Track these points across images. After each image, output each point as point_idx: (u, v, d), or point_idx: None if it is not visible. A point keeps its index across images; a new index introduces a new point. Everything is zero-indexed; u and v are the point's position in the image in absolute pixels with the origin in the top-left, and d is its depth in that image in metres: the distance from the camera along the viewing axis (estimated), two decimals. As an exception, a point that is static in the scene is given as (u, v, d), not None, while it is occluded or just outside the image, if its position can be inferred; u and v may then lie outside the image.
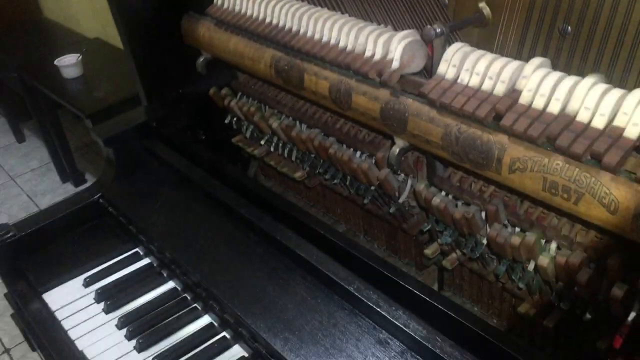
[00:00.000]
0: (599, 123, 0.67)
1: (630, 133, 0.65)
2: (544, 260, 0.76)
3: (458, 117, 0.79)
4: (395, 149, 0.90)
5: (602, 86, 0.68)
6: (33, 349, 1.24)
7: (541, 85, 0.72)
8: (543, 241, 0.79)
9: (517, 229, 0.82)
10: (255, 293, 1.00)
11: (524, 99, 0.74)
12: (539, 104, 0.72)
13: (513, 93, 0.75)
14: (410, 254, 1.08)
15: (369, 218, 1.12)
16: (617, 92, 0.66)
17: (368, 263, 0.92)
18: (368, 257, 0.93)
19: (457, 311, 0.82)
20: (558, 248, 0.78)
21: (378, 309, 0.87)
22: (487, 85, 0.77)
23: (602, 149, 0.65)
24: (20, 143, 3.72)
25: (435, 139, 0.82)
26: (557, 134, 0.69)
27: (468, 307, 1.02)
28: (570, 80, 0.70)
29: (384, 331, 0.88)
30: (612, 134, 0.66)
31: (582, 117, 0.69)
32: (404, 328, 0.83)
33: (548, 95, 0.72)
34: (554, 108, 0.71)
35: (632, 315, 0.73)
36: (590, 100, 0.68)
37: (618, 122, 0.66)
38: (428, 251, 0.97)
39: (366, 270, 0.92)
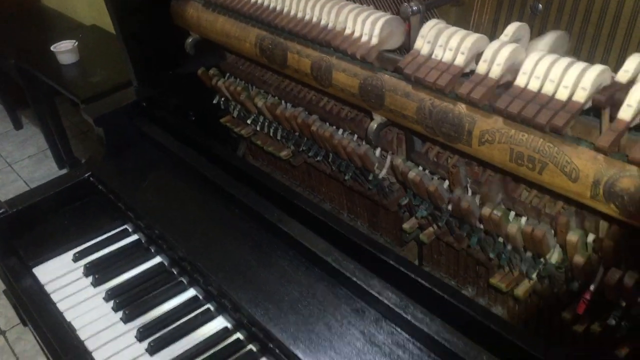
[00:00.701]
0: (562, 95, 0.70)
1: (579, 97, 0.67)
2: (512, 229, 0.79)
3: (432, 92, 0.82)
4: (374, 125, 0.92)
5: (566, 60, 0.70)
6: (25, 324, 1.26)
7: (537, 68, 0.74)
8: (513, 213, 0.82)
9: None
10: (239, 266, 1.03)
11: (493, 73, 0.76)
12: (507, 77, 0.75)
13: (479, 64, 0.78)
14: (391, 231, 1.11)
15: (352, 196, 1.15)
16: (579, 65, 0.69)
17: (346, 236, 0.95)
18: (347, 230, 0.96)
19: (428, 278, 0.85)
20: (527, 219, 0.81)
21: (354, 279, 0.90)
22: (459, 60, 0.80)
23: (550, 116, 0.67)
24: (18, 130, 3.74)
25: (410, 114, 0.85)
26: (523, 107, 0.71)
27: (445, 281, 1.04)
28: (536, 55, 0.73)
29: (360, 301, 0.91)
30: (571, 106, 0.68)
31: (547, 89, 0.71)
32: (377, 296, 0.86)
33: (527, 74, 0.74)
34: (521, 82, 0.73)
35: (595, 283, 0.75)
36: (554, 73, 0.70)
37: (577, 97, 0.68)
38: (406, 226, 1.00)
39: (345, 243, 0.95)
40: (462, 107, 0.79)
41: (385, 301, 0.85)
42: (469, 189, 0.87)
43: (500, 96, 0.73)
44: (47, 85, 2.70)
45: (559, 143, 0.69)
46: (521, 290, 0.86)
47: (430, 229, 0.98)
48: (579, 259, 0.73)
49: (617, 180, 0.65)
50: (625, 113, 0.65)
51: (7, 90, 3.59)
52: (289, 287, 0.97)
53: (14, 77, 3.04)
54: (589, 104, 0.68)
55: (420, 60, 0.83)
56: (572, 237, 0.74)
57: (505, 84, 0.75)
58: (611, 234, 0.72)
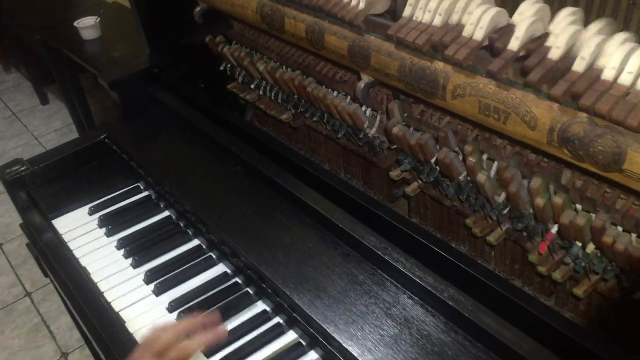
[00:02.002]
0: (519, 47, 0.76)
1: (548, 54, 0.73)
2: (481, 177, 0.86)
3: (412, 51, 0.88)
4: (361, 84, 0.99)
5: (531, 19, 0.77)
6: (45, 275, 1.36)
7: (481, 19, 0.81)
8: (485, 161, 0.88)
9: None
10: (238, 218, 1.11)
11: (466, 32, 0.82)
12: (478, 36, 0.81)
13: (457, 26, 0.84)
14: (382, 188, 1.18)
15: (347, 156, 1.22)
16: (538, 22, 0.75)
17: (335, 187, 1.03)
18: (334, 181, 1.03)
19: (409, 225, 0.92)
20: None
21: (340, 225, 0.97)
22: (437, 21, 0.86)
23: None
24: (44, 105, 3.87)
25: (393, 72, 0.91)
26: (489, 62, 0.78)
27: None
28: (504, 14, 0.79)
29: (345, 245, 0.98)
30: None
31: (513, 45, 0.77)
32: (360, 240, 0.93)
33: (485, 27, 0.80)
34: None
35: (556, 226, 0.82)
36: (519, 31, 0.77)
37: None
38: (393, 173, 1.06)
39: (334, 194, 1.02)
40: (438, 64, 0.85)
41: (366, 244, 0.92)
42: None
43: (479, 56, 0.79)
44: (71, 61, 2.80)
45: (520, 94, 0.76)
46: (494, 237, 0.93)
47: (415, 183, 1.05)
48: (539, 201, 0.80)
49: (569, 127, 0.71)
50: (578, 65, 0.71)
51: (34, 67, 3.72)
52: (282, 235, 1.05)
53: (40, 53, 3.16)
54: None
55: (402, 22, 0.89)
56: (535, 183, 0.81)
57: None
58: (566, 178, 0.78)
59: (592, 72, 0.70)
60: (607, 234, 0.74)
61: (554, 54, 0.74)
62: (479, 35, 0.81)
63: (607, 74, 0.69)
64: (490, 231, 0.93)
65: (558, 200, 0.78)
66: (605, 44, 0.70)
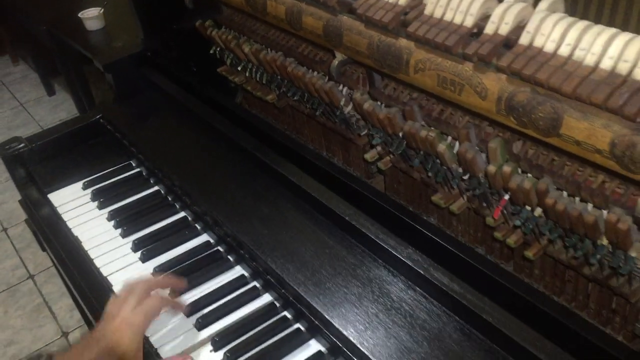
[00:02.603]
0: (490, 29, 0.81)
1: (498, 30, 0.79)
2: (441, 147, 0.92)
3: (379, 29, 0.94)
4: (335, 61, 1.05)
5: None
6: (43, 249, 1.43)
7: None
8: (445, 135, 0.94)
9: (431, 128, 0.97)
10: (222, 192, 1.18)
11: (427, 10, 0.88)
12: (438, 13, 0.87)
13: (420, 5, 0.90)
14: (360, 165, 1.24)
15: (327, 134, 1.28)
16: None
17: (313, 162, 1.09)
18: (312, 156, 1.10)
19: (378, 195, 0.98)
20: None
21: (316, 196, 1.03)
22: (402, 1, 0.92)
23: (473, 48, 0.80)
24: (51, 96, 3.96)
25: (363, 49, 0.97)
26: (446, 38, 0.83)
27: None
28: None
29: (320, 215, 1.04)
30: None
31: (467, 22, 0.83)
32: (334, 210, 0.99)
33: (444, 6, 0.86)
34: (448, 17, 0.85)
35: (508, 194, 0.88)
36: (473, 8, 0.82)
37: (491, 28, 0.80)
38: (367, 155, 1.12)
39: (313, 169, 1.09)
40: (402, 41, 0.91)
41: (337, 211, 0.98)
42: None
43: (438, 32, 0.85)
44: (76, 53, 2.88)
45: (473, 67, 0.81)
46: (456, 206, 0.98)
47: (387, 157, 1.10)
48: (491, 168, 0.85)
49: (515, 96, 0.77)
50: (524, 39, 0.77)
51: (41, 59, 3.80)
52: (261, 206, 1.11)
53: (46, 43, 3.24)
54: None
55: (371, 2, 0.95)
56: (492, 149, 0.86)
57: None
58: (517, 147, 0.84)
59: (536, 46, 0.76)
60: (550, 195, 0.79)
61: (503, 29, 0.79)
62: (438, 13, 0.87)
63: (549, 47, 0.75)
64: (454, 202, 0.99)
65: (507, 167, 0.84)
66: (547, 19, 0.75)
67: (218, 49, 1.42)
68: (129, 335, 0.88)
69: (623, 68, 0.69)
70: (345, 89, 1.13)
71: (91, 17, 2.76)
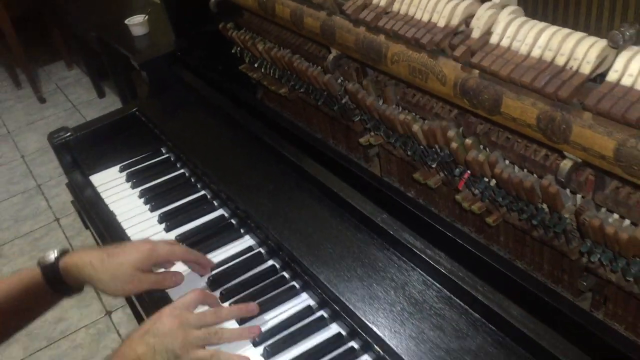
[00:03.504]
0: (441, 22, 0.95)
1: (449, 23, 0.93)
2: (415, 127, 1.06)
3: (365, 27, 1.09)
4: (330, 56, 1.20)
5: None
6: (86, 227, 1.63)
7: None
8: (418, 117, 1.08)
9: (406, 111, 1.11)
10: (236, 173, 1.35)
11: (402, 10, 1.03)
12: (411, 12, 1.01)
13: (402, 6, 1.04)
14: (359, 149, 1.38)
15: (332, 123, 1.43)
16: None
17: (318, 148, 1.25)
18: (317, 143, 1.25)
19: (366, 173, 1.13)
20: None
21: (316, 177, 1.19)
22: (382, 3, 1.07)
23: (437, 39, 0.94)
24: (101, 98, 4.23)
25: (351, 44, 1.12)
26: (418, 33, 0.98)
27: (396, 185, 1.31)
28: (428, -6, 0.99)
29: (320, 193, 1.20)
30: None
31: (434, 19, 0.97)
32: (332, 188, 1.15)
33: (416, 5, 1.00)
34: (418, 15, 1.00)
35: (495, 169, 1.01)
36: (440, 6, 0.96)
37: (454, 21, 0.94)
38: (362, 140, 1.27)
39: (316, 155, 1.25)
40: (381, 38, 1.06)
41: (334, 189, 1.14)
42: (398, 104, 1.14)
43: (409, 29, 0.99)
44: (123, 57, 3.11)
45: (435, 58, 0.96)
46: (432, 181, 1.12)
47: (379, 141, 1.25)
48: (454, 145, 0.99)
49: (467, 81, 0.91)
50: (474, 33, 0.91)
51: (92, 63, 4.08)
52: (269, 185, 1.28)
53: (96, 48, 3.50)
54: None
55: (359, 3, 1.10)
56: (450, 133, 1.00)
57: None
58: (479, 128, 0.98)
59: (484, 39, 0.90)
60: (498, 166, 0.93)
61: (454, 21, 0.93)
62: (411, 11, 1.01)
63: (493, 39, 0.88)
64: (430, 178, 1.13)
65: (467, 142, 0.98)
66: (491, 15, 0.89)
67: (238, 48, 1.59)
68: None
69: (548, 56, 0.82)
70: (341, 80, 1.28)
71: (136, 23, 2.99)
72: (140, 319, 1.78)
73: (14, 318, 1.12)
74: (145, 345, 0.91)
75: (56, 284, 1.08)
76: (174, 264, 1.17)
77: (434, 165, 1.09)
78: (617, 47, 0.75)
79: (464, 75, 0.91)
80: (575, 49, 0.79)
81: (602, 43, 0.77)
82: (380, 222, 1.04)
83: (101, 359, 2.38)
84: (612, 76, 0.75)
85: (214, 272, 1.17)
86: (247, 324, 1.04)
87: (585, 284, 0.94)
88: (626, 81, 0.74)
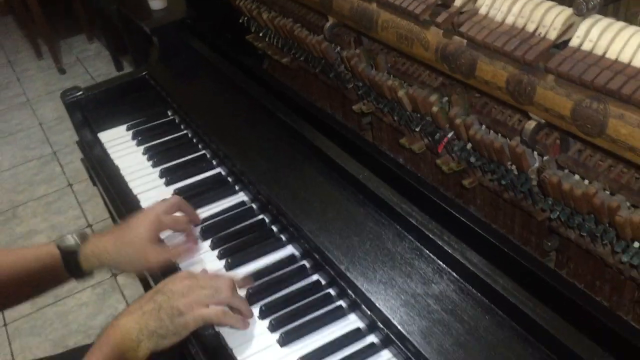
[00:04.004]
0: (427, -9, 1.01)
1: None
2: (401, 93, 1.12)
3: (358, -4, 1.15)
4: (327, 24, 1.27)
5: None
6: (94, 184, 1.71)
7: None
8: (405, 84, 1.14)
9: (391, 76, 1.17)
10: (236, 135, 1.42)
11: (393, -20, 1.08)
12: (400, -18, 1.07)
13: (388, -24, 1.10)
14: (354, 118, 1.44)
15: (330, 92, 1.49)
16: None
17: (310, 111, 1.31)
18: (310, 107, 1.31)
19: (357, 136, 1.19)
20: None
21: (312, 141, 1.25)
22: (377, -27, 1.12)
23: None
24: (119, 72, 4.32)
25: (346, 13, 1.18)
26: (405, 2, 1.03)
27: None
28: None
29: (309, 152, 1.26)
30: None
31: (420, -12, 1.03)
32: (321, 148, 1.21)
33: (405, -24, 1.06)
34: (408, -16, 1.05)
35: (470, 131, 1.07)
36: (425, -23, 1.02)
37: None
38: (355, 107, 1.33)
39: (311, 119, 1.31)
40: (373, 6, 1.12)
41: (323, 149, 1.20)
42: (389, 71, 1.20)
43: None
44: (142, 32, 3.18)
45: (420, 25, 1.01)
46: (416, 146, 1.18)
47: (371, 108, 1.31)
48: (434, 109, 1.05)
49: (446, 47, 0.97)
50: (457, 1, 0.96)
51: (112, 37, 4.16)
52: (263, 143, 1.34)
53: (116, 22, 3.58)
54: None
55: (354, -26, 1.16)
56: (432, 98, 1.06)
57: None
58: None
59: (465, 7, 0.95)
60: (473, 129, 0.98)
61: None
62: (401, -18, 1.07)
63: (472, 8, 0.94)
64: (415, 143, 1.19)
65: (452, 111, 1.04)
66: (476, -15, 0.94)
67: (245, 18, 1.66)
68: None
69: (520, 23, 0.87)
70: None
71: (155, -4, 3.06)
72: (145, 282, 1.87)
73: (25, 290, 1.17)
74: (153, 302, 0.95)
75: (73, 269, 1.12)
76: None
77: (417, 130, 1.14)
78: (581, 15, 0.80)
79: (444, 41, 0.97)
80: (544, 16, 0.85)
81: (568, 11, 0.82)
82: (362, 179, 1.10)
83: (105, 317, 2.48)
84: (574, 42, 0.81)
85: (207, 222, 1.24)
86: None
87: (549, 244, 1.00)
88: (586, 46, 0.79)
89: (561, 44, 0.84)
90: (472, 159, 1.03)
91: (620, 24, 0.77)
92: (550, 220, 0.93)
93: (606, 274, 0.91)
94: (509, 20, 0.89)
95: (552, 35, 0.83)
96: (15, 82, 4.53)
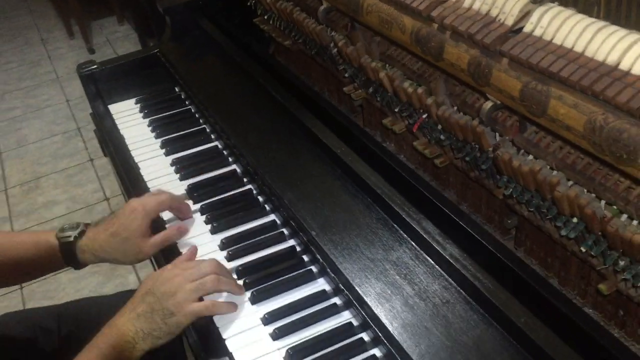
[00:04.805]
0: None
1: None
2: (382, 74, 1.18)
3: (348, -18, 1.22)
4: (321, 8, 1.33)
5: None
6: (105, 155, 1.80)
7: None
8: (388, 66, 1.20)
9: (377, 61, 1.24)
10: (233, 110, 1.49)
11: (379, -33, 1.15)
12: (385, -31, 1.13)
13: (375, -37, 1.16)
14: (347, 101, 1.51)
15: (326, 74, 1.56)
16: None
17: (304, 92, 1.38)
18: (304, 87, 1.39)
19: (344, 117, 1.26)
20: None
21: (302, 120, 1.32)
22: (366, -40, 1.18)
23: (397, -9, 1.06)
24: (145, 53, 4.43)
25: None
26: (385, -14, 1.10)
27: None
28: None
29: (298, 129, 1.34)
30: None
31: (401, -25, 1.09)
32: (313, 130, 1.28)
33: (389, -37, 1.12)
34: (391, -29, 1.12)
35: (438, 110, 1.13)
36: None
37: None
38: (345, 89, 1.40)
39: (304, 98, 1.38)
40: (360, -9, 1.18)
41: (308, 125, 1.27)
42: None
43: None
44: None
45: (399, 10, 1.08)
46: (397, 127, 1.24)
47: (360, 91, 1.37)
48: (409, 90, 1.11)
49: (419, 31, 1.03)
50: (432, -12, 1.02)
51: (140, 21, 4.28)
52: (256, 119, 1.42)
53: (143, 4, 3.69)
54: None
55: (346, -39, 1.23)
56: (406, 84, 1.12)
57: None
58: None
59: (439, -7, 1.01)
60: (441, 109, 1.04)
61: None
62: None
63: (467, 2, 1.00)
64: (396, 124, 1.25)
65: (420, 90, 1.10)
66: (448, -27, 1.00)
67: (253, 1, 1.73)
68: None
69: (484, 9, 0.93)
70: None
71: (179, -19, 3.15)
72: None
73: (21, 274, 1.24)
74: (145, 304, 0.99)
75: (70, 260, 1.18)
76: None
77: (396, 110, 1.21)
78: (536, 2, 0.86)
79: (418, 25, 1.03)
80: (505, 3, 0.90)
81: (525, 0, 0.88)
82: (340, 154, 1.17)
83: (114, 286, 2.59)
84: (528, 27, 0.86)
85: (199, 190, 1.33)
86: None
87: (509, 222, 1.05)
88: (537, 32, 0.85)
89: (518, 29, 0.89)
90: (442, 137, 1.09)
91: (569, 12, 0.83)
92: (506, 197, 0.99)
93: (556, 251, 0.96)
94: (476, 5, 0.95)
95: (510, 21, 0.89)
96: (47, 59, 4.69)
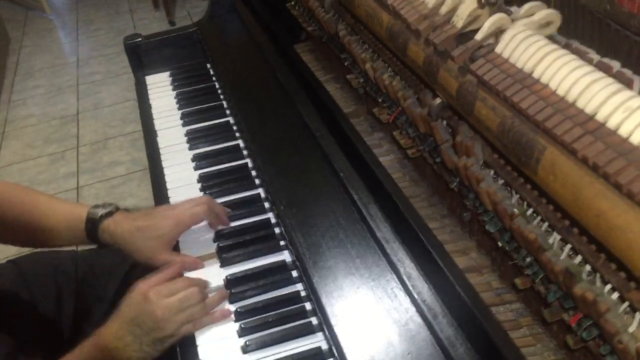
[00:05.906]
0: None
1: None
2: (367, 66, 1.24)
3: (348, -25, 1.28)
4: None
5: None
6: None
7: None
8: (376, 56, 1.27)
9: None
10: (251, 90, 1.60)
11: (372, -37, 1.21)
12: (376, -34, 1.19)
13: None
14: (352, 89, 1.58)
15: (339, 61, 1.63)
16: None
17: (303, 74, 1.46)
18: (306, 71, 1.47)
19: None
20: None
21: (295, 102, 1.41)
22: (364, -44, 1.25)
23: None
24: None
25: (338, -11, 1.32)
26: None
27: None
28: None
29: (295, 115, 1.42)
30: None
31: (387, -27, 1.15)
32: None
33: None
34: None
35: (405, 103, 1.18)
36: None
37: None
38: (349, 76, 1.47)
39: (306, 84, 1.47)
40: (355, -15, 1.25)
41: (299, 108, 1.36)
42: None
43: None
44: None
45: (379, 5, 1.14)
46: (383, 117, 1.30)
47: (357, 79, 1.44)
48: (387, 81, 1.17)
49: (392, 26, 1.09)
50: (407, -13, 1.08)
51: (169, 8, 4.46)
52: (265, 105, 1.52)
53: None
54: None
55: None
56: (385, 76, 1.19)
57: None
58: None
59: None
60: (407, 102, 1.10)
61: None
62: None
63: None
64: (383, 113, 1.32)
65: (395, 82, 1.16)
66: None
67: (284, -12, 1.82)
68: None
69: (443, 10, 0.98)
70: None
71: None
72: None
73: (43, 239, 1.27)
74: (132, 336, 1.00)
75: (92, 236, 1.20)
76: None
77: (380, 100, 1.27)
78: (482, 7, 0.90)
79: (392, 21, 1.09)
80: (458, 6, 0.95)
81: (474, 5, 0.92)
82: (318, 138, 1.26)
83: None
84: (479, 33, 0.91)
85: (204, 159, 1.45)
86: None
87: (465, 215, 1.10)
88: (479, 36, 0.89)
89: (469, 32, 0.94)
90: (410, 130, 1.15)
91: (509, 19, 0.87)
92: (454, 190, 1.04)
93: (494, 244, 1.01)
94: (436, 6, 1.00)
95: (459, 24, 0.94)
96: (132, 29, 4.97)
